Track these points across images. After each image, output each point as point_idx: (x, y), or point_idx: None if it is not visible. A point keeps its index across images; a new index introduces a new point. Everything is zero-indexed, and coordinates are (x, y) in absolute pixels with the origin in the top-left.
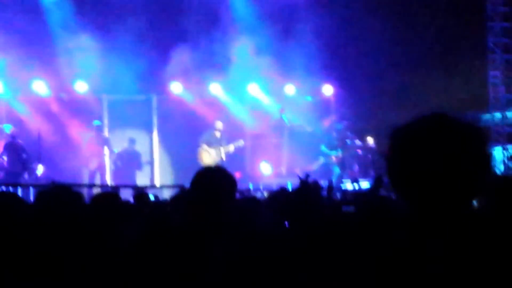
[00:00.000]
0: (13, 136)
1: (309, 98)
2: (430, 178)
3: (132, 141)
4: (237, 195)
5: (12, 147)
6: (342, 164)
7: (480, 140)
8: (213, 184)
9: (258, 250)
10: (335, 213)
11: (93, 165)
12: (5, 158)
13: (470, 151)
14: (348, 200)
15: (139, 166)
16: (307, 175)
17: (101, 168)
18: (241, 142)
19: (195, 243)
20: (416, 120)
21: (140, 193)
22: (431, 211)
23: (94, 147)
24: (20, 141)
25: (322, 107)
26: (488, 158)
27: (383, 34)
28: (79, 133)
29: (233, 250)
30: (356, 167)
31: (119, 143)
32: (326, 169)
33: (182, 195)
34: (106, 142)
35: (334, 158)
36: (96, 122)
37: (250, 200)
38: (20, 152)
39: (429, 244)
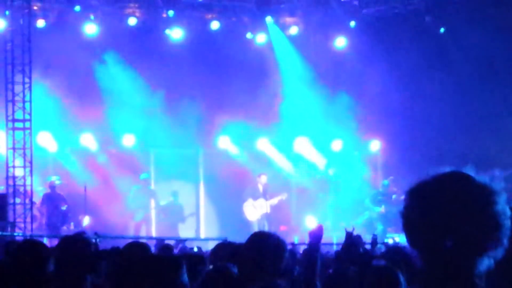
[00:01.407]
0: (51, 187)
1: (357, 154)
2: (440, 235)
3: (175, 194)
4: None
5: (50, 199)
6: (385, 219)
7: (492, 201)
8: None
9: None
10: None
11: (139, 217)
12: (43, 209)
13: (477, 211)
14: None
15: (182, 218)
16: (353, 229)
17: (146, 220)
18: (284, 195)
19: None
20: (431, 178)
21: (163, 245)
22: (441, 268)
23: (140, 200)
24: (60, 192)
25: (369, 163)
26: (497, 219)
27: (433, 93)
28: (125, 186)
29: None
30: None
31: (165, 196)
32: (370, 223)
33: (222, 247)
34: (153, 195)
35: (377, 214)
36: (143, 176)
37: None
38: (59, 203)
39: None
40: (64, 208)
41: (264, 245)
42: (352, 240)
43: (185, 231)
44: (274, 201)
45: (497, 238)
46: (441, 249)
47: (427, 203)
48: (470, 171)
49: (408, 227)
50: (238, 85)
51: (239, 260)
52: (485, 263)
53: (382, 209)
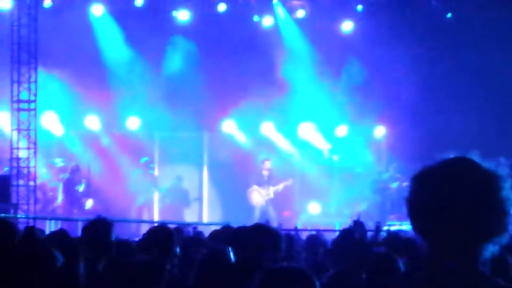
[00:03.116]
0: (72, 172)
1: (362, 140)
2: (444, 221)
3: (179, 178)
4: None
5: (70, 184)
6: (383, 206)
7: (498, 187)
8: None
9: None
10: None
11: (140, 201)
12: (61, 195)
13: (483, 197)
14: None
15: (186, 203)
16: (359, 216)
17: (148, 204)
18: (290, 181)
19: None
20: (437, 164)
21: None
22: (445, 254)
23: (141, 184)
24: (77, 176)
25: (374, 149)
26: (503, 205)
27: (440, 79)
28: (129, 169)
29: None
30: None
31: (169, 179)
32: (371, 210)
33: (221, 232)
34: (153, 179)
35: (375, 202)
36: (143, 159)
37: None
38: (76, 188)
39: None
40: (78, 192)
41: (266, 234)
42: (352, 228)
43: (188, 216)
44: (280, 186)
45: (502, 224)
46: (446, 235)
47: (433, 189)
48: (475, 157)
49: (413, 213)
50: (244, 68)
51: (241, 243)
52: (490, 249)
53: (378, 196)
